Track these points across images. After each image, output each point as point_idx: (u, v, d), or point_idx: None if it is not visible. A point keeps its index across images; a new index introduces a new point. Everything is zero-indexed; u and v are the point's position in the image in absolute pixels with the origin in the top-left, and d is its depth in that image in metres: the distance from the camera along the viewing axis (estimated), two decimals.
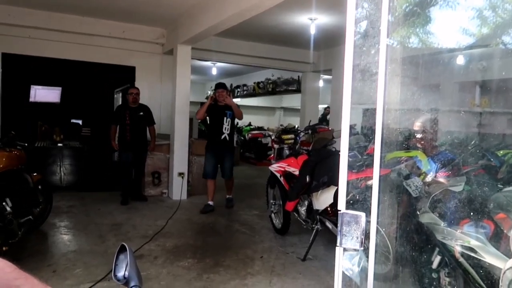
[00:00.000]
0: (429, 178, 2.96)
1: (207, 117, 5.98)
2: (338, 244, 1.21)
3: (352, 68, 1.19)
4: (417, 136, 3.41)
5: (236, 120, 6.09)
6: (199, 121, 7.86)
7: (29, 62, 7.11)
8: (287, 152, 5.58)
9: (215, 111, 5.86)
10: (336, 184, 3.28)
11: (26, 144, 4.43)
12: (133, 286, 0.97)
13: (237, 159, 11.63)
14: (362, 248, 1.20)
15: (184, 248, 4.31)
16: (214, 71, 12.22)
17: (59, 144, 8.78)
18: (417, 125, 3.40)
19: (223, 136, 5.84)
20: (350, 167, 2.36)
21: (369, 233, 1.24)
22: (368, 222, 1.19)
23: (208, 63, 10.72)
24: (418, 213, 2.84)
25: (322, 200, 3.92)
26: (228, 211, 5.97)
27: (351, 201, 1.35)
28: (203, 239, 4.73)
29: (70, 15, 6.45)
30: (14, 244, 3.61)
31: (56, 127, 10.12)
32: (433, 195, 2.82)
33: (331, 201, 3.72)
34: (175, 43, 6.66)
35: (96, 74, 7.93)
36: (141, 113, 6.28)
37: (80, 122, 11.62)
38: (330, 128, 6.17)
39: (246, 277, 3.59)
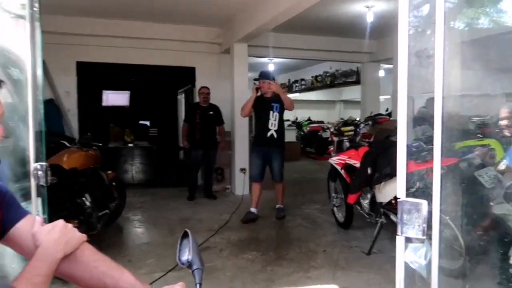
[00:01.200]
0: (502, 167, 2.76)
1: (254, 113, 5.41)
2: (398, 233, 1.19)
3: (408, 54, 1.16)
4: (501, 123, 3.13)
5: (295, 115, 5.91)
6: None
7: (99, 68, 7.66)
8: (347, 144, 5.39)
9: (260, 105, 5.22)
10: None
11: (100, 144, 4.80)
12: (196, 269, 1.04)
13: (297, 154, 11.63)
14: (425, 238, 1.17)
15: (248, 241, 4.42)
16: (271, 67, 12.29)
17: (130, 144, 9.42)
18: (504, 112, 3.10)
19: (269, 133, 5.13)
20: (414, 157, 2.28)
21: (432, 223, 1.20)
22: (430, 211, 1.16)
23: (265, 60, 10.79)
24: (492, 204, 2.67)
25: (386, 193, 3.82)
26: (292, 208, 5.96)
27: (415, 192, 1.32)
28: (266, 232, 4.82)
29: (134, 21, 6.82)
30: (93, 236, 3.94)
31: (127, 129, 10.84)
32: (508, 184, 2.63)
33: (395, 193, 3.60)
34: (231, 42, 6.80)
35: (159, 76, 8.35)
36: (211, 113, 6.37)
37: (147, 123, 12.35)
38: (391, 119, 5.95)
39: (309, 270, 3.60)
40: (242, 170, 6.71)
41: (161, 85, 9.94)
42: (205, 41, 7.51)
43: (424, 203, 1.13)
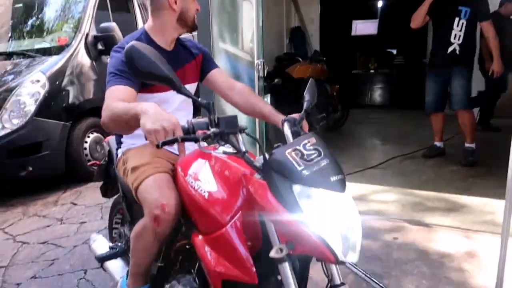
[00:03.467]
0: None
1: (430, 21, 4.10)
2: None
3: None
4: None
5: None
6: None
7: None
8: None
9: (440, 9, 3.87)
10: None
11: (324, 59, 5.46)
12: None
13: None
14: None
15: (458, 159, 4.15)
16: None
17: (371, 71, 9.93)
18: None
19: (451, 48, 3.83)
20: None
21: None
22: None
23: None
24: None
25: None
26: None
27: None
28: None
29: None
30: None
31: (372, 57, 11.30)
32: None
33: None
34: None
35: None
36: None
37: (394, 51, 12.31)
38: None
39: None
40: None
41: (410, 10, 9.56)
42: None
43: None
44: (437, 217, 2.83)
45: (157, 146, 1.04)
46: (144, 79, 1.16)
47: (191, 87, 1.69)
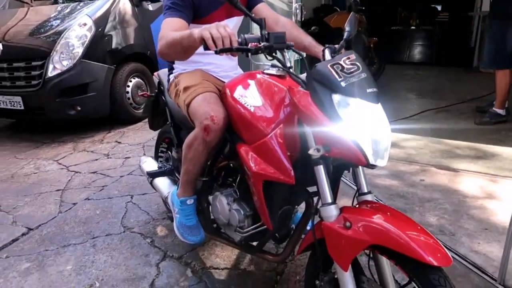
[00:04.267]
0: None
1: None
2: None
3: None
4: None
5: None
6: None
7: None
8: None
9: None
10: None
11: (363, 8, 5.34)
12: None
13: None
14: None
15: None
16: None
17: (412, 28, 9.55)
18: None
19: None
20: None
21: None
22: None
23: None
24: None
25: None
26: None
27: None
28: None
29: None
30: None
31: (414, 13, 10.82)
32: None
33: None
34: None
35: None
36: None
37: (439, 7, 11.68)
38: None
39: None
40: None
41: None
42: None
43: None
44: (465, 164, 2.89)
45: (216, 52, 1.19)
46: None
47: (238, 19, 1.81)
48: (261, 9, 1.83)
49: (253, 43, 1.26)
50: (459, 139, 3.38)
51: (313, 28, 4.27)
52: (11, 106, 3.95)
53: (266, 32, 1.28)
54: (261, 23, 1.31)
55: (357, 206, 1.23)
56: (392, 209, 1.17)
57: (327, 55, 1.45)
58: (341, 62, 1.16)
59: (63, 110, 3.89)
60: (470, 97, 4.76)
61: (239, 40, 1.25)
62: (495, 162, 2.91)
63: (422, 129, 3.70)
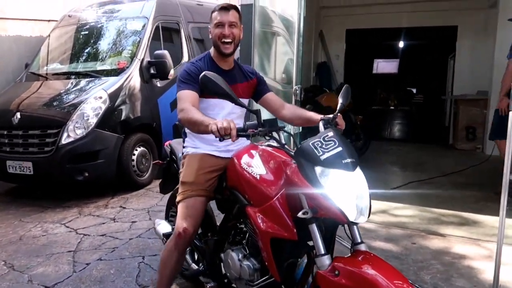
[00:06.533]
0: None
1: None
2: None
3: None
4: None
5: None
6: None
7: (367, 34, 8.63)
8: None
9: None
10: None
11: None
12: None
13: None
14: None
15: (472, 187, 4.49)
16: None
17: (391, 108, 10.41)
18: None
19: None
20: None
21: None
22: None
23: None
24: None
25: None
26: None
27: None
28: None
29: None
30: None
31: (392, 95, 11.81)
32: None
33: None
34: None
35: (420, 39, 8.64)
36: None
37: (414, 90, 12.78)
38: None
39: None
40: None
41: (429, 51, 10.08)
42: None
43: None
44: (451, 229, 3.18)
45: (220, 140, 1.52)
46: (212, 94, 1.64)
47: (243, 101, 2.13)
48: (270, 97, 2.16)
49: (251, 129, 1.60)
50: (444, 207, 3.69)
51: (307, 106, 4.76)
52: (20, 171, 4.14)
53: (261, 120, 1.63)
54: (257, 113, 1.63)
55: (349, 255, 1.44)
56: (380, 259, 1.38)
57: (321, 126, 1.76)
58: (321, 140, 1.45)
59: (72, 176, 4.09)
60: (450, 171, 5.17)
61: (241, 126, 1.61)
62: (477, 229, 3.20)
63: (410, 198, 4.02)
